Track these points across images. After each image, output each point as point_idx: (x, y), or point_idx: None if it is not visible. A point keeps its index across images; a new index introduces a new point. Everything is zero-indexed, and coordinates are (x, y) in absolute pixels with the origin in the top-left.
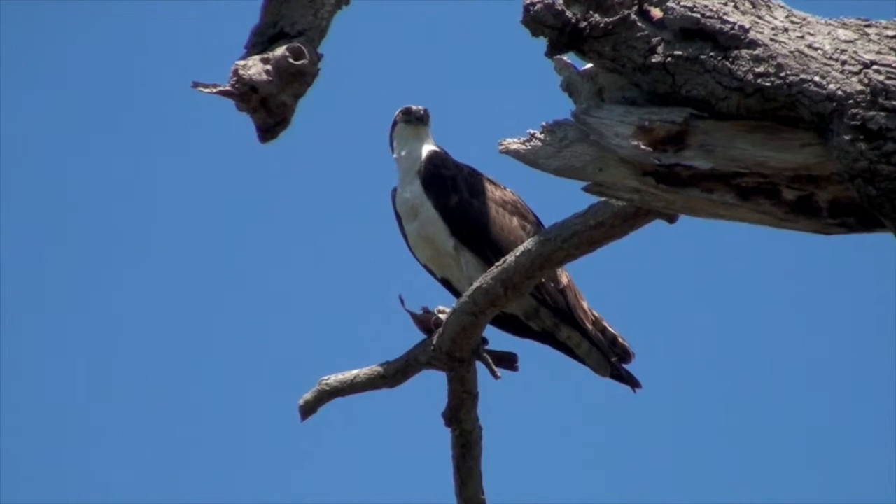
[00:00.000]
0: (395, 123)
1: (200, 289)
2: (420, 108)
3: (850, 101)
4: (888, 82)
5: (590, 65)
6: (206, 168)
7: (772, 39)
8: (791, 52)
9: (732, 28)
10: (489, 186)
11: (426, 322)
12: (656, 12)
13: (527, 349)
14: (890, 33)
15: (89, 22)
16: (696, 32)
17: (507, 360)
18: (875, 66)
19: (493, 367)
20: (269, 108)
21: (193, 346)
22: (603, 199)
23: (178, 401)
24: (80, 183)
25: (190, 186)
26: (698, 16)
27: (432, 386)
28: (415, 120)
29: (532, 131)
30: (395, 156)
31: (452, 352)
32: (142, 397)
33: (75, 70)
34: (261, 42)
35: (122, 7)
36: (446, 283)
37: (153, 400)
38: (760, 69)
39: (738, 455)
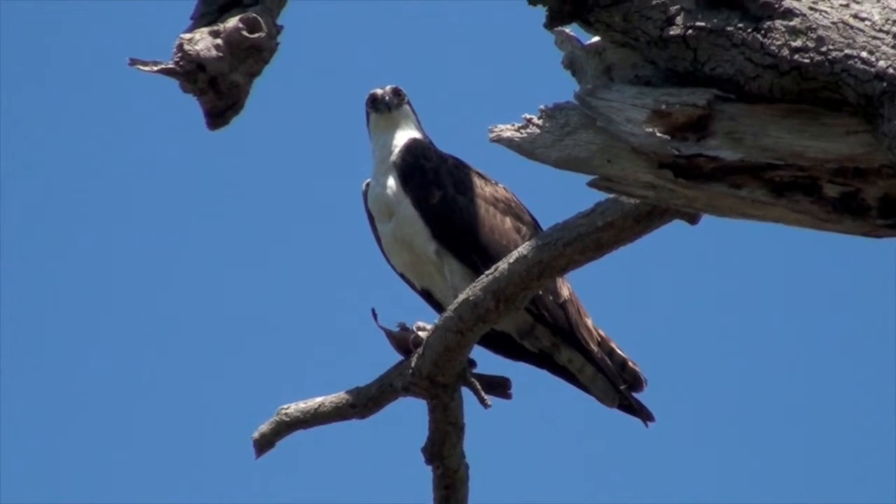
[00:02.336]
0: (368, 114)
1: (133, 298)
2: (387, 90)
3: None
4: None
5: (596, 38)
6: (143, 162)
7: (811, 8)
8: (834, 22)
9: None
10: (478, 181)
11: (403, 341)
12: None
13: (521, 374)
14: None
15: None
16: (721, 0)
17: (498, 387)
18: None
19: (483, 394)
20: (219, 89)
21: (124, 368)
22: (612, 195)
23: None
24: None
25: (124, 184)
26: None
27: (410, 416)
28: (383, 107)
29: (528, 116)
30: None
31: (434, 376)
32: (61, 427)
33: None
34: (210, 11)
35: None
36: (427, 295)
37: (74, 433)
38: (797, 43)
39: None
